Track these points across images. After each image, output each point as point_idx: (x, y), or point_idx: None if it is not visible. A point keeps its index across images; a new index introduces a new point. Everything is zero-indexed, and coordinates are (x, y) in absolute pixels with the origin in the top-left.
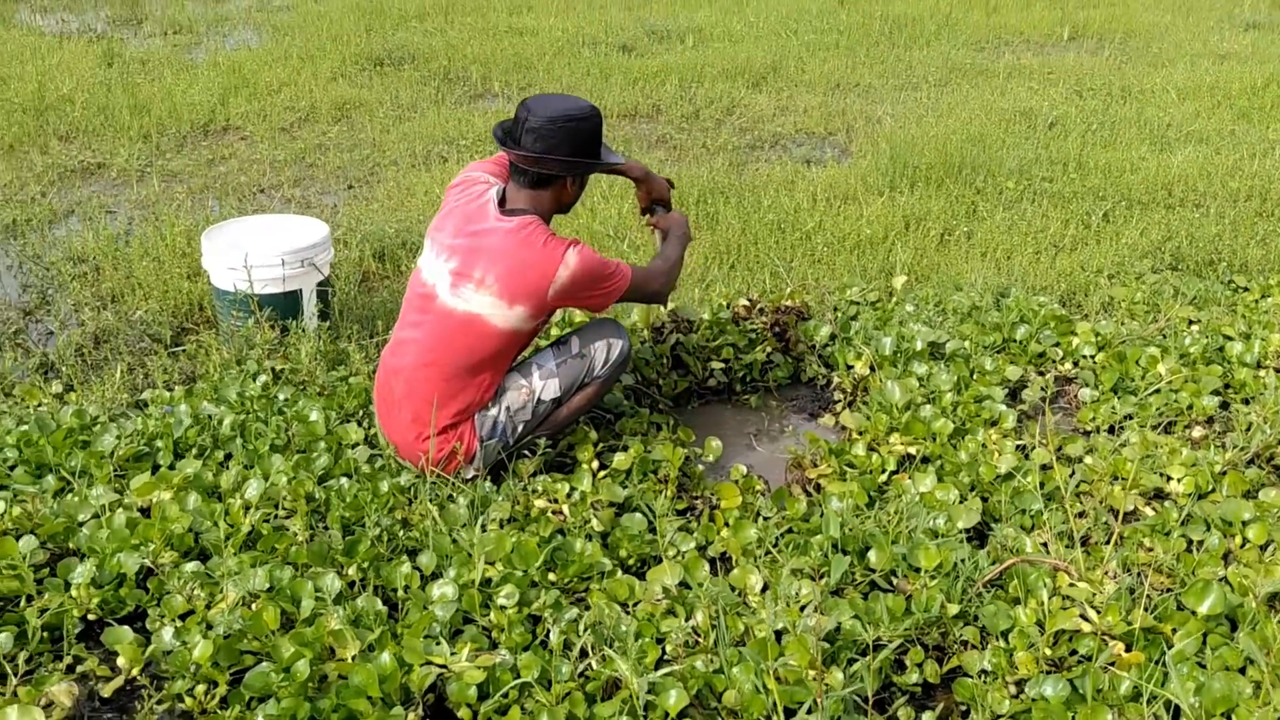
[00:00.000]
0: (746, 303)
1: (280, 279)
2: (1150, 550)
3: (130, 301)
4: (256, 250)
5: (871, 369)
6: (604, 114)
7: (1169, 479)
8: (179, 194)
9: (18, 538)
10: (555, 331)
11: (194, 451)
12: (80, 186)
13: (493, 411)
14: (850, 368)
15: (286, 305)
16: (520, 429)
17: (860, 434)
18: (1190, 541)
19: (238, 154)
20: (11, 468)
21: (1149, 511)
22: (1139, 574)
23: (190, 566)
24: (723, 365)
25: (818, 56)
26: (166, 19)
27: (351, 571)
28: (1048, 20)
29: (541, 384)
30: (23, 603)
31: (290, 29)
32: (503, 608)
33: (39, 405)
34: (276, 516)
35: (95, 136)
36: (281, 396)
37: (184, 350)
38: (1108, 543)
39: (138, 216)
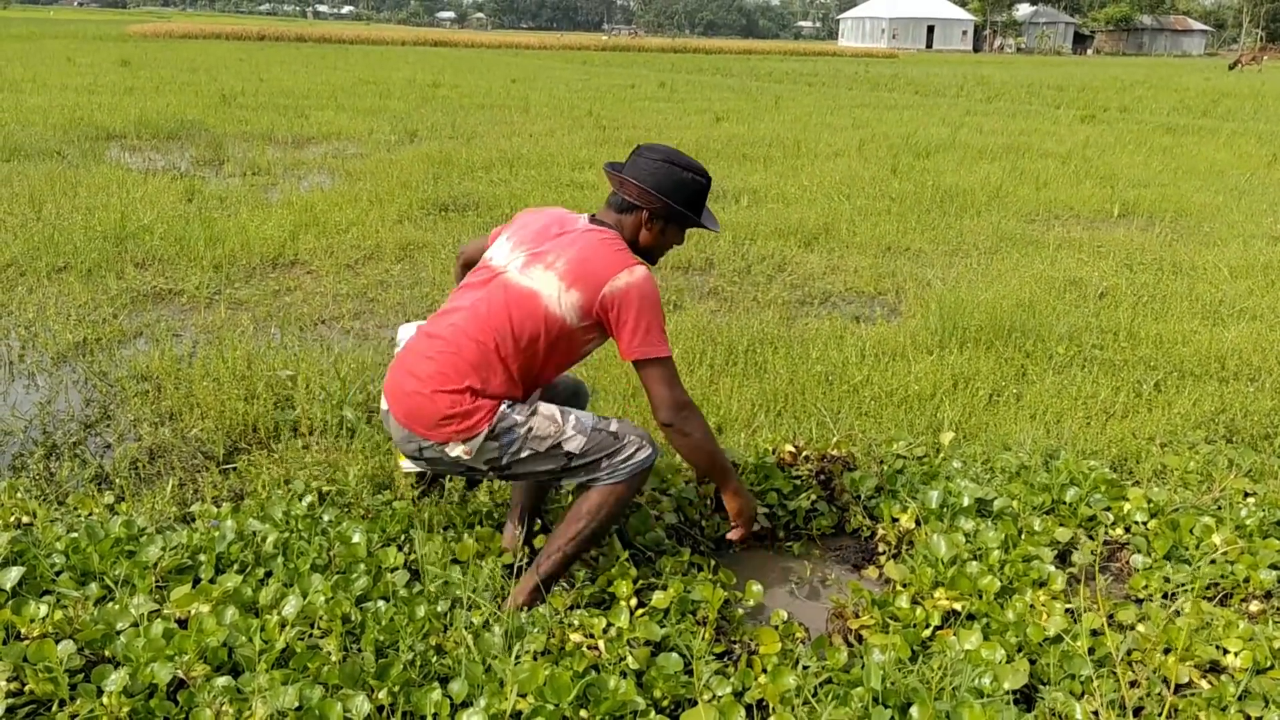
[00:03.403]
0: (792, 449)
1: None
2: None
3: (188, 420)
4: None
5: (917, 523)
6: (658, 265)
7: (1225, 652)
8: (244, 321)
9: (57, 641)
10: None
11: (235, 567)
12: (151, 310)
13: (518, 417)
14: (895, 520)
15: None
16: (525, 456)
17: (904, 586)
18: (1248, 718)
19: (303, 286)
20: (58, 573)
21: (1204, 684)
22: None
23: (222, 681)
24: (766, 510)
25: (869, 220)
26: (247, 161)
27: (382, 695)
28: (1098, 197)
29: (571, 432)
30: (55, 707)
31: (362, 174)
32: None
33: (90, 514)
34: (311, 635)
35: (170, 264)
36: (326, 517)
37: (235, 468)
38: (1161, 714)
39: (202, 340)
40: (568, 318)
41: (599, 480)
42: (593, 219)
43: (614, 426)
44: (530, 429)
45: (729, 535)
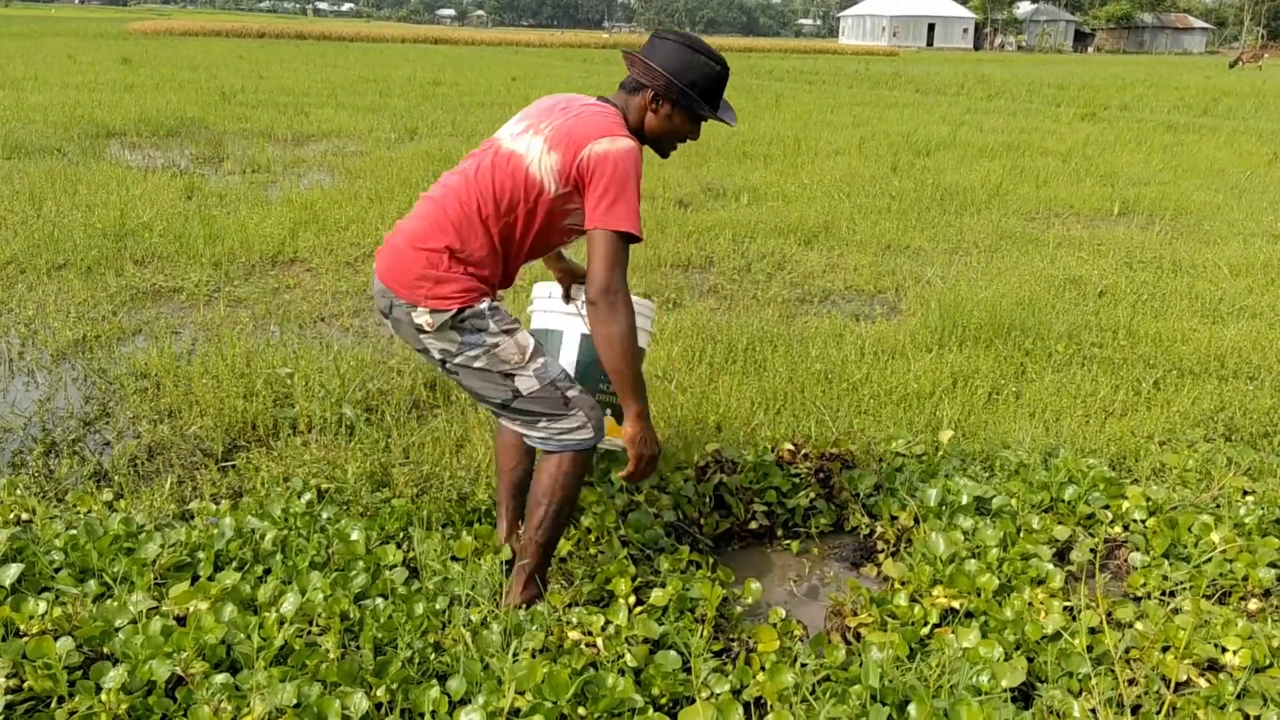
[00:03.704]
0: (791, 447)
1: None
2: None
3: (187, 417)
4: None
5: (916, 521)
6: (658, 263)
7: (1224, 650)
8: (243, 318)
9: (56, 638)
10: None
11: (234, 564)
12: (150, 307)
13: (492, 325)
14: (894, 518)
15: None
16: (477, 367)
17: (903, 584)
18: (1246, 716)
19: (302, 284)
20: (57, 570)
21: (1203, 683)
22: None
23: (220, 678)
24: (765, 508)
25: (869, 218)
26: (247, 159)
27: (380, 693)
28: (1098, 195)
29: (530, 373)
30: (54, 703)
31: (362, 172)
32: None
33: (89, 511)
34: (310, 632)
35: (169, 262)
36: (325, 515)
37: (234, 466)
38: (1159, 712)
39: (202, 337)
40: (545, 182)
41: (530, 438)
42: (601, 99)
43: (572, 393)
44: (497, 345)
45: (619, 474)
